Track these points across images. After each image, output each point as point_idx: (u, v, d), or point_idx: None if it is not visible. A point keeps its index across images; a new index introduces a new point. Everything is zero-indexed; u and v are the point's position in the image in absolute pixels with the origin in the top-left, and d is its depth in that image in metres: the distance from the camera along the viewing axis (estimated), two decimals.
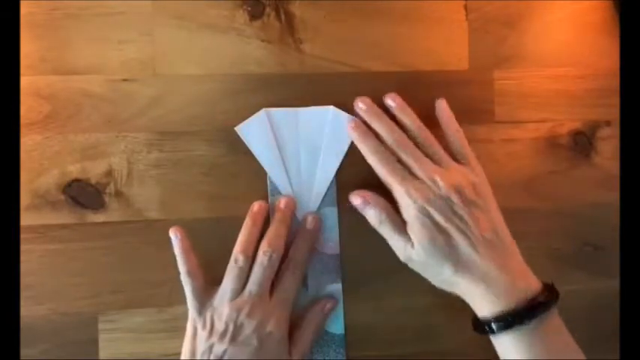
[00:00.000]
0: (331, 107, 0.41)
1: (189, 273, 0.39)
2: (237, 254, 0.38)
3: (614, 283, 0.44)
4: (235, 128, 0.41)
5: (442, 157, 0.39)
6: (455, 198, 0.37)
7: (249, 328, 0.37)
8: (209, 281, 0.39)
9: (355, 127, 0.40)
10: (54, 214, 0.40)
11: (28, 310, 0.40)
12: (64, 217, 0.40)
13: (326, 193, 0.41)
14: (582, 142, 0.45)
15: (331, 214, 0.42)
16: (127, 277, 0.41)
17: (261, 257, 0.38)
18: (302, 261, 0.40)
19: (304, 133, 0.41)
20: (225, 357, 0.36)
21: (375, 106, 0.41)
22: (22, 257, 0.40)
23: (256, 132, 0.41)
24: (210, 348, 0.37)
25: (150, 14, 0.41)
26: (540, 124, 0.44)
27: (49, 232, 0.40)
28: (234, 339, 0.37)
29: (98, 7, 0.40)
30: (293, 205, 0.41)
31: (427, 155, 0.39)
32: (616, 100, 0.45)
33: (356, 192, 0.40)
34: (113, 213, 0.41)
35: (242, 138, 0.41)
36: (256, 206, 0.40)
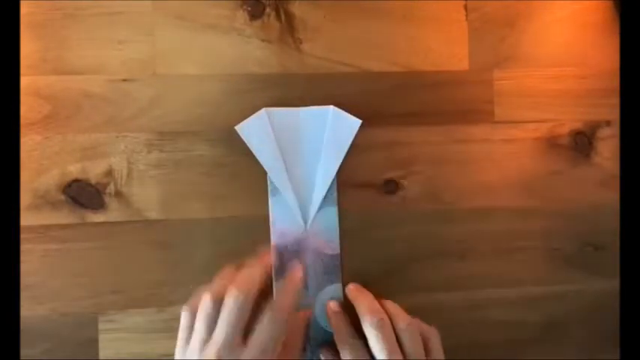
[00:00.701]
0: (331, 107, 0.41)
1: (192, 310, 0.36)
2: (207, 295, 0.35)
3: (614, 283, 0.44)
4: (236, 127, 0.41)
5: (418, 354, 0.36)
6: None
7: None
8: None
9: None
10: (54, 214, 0.40)
11: (28, 310, 0.40)
12: (64, 217, 0.40)
13: (326, 194, 0.41)
14: (582, 142, 0.45)
15: (331, 214, 0.42)
16: (127, 277, 0.41)
17: (227, 300, 0.35)
18: (282, 306, 0.36)
19: (305, 133, 0.41)
20: None
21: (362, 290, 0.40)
22: (22, 257, 0.40)
23: (257, 131, 0.41)
24: None
25: (150, 14, 0.41)
26: (540, 124, 0.44)
27: (49, 232, 0.40)
28: None
29: (98, 7, 0.40)
30: (298, 277, 0.39)
31: None
32: (616, 100, 0.45)
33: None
34: (113, 213, 0.41)
35: (242, 137, 0.41)
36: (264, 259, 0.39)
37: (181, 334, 0.36)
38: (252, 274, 0.36)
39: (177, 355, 0.36)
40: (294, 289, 0.38)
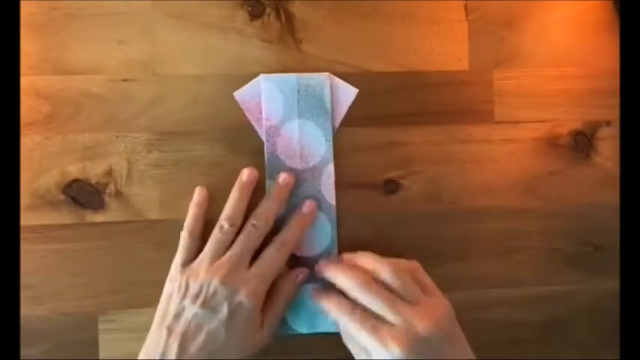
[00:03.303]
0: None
1: (192, 233, 0.39)
2: (223, 221, 0.39)
3: (614, 283, 0.44)
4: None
5: (413, 292, 0.36)
6: (435, 335, 0.34)
7: (221, 294, 0.36)
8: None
9: (316, 293, 0.39)
10: (54, 214, 0.40)
11: (28, 310, 0.40)
12: (64, 217, 0.40)
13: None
14: (582, 142, 0.45)
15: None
16: (127, 277, 0.41)
17: (248, 227, 0.39)
18: (290, 241, 0.39)
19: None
20: (195, 320, 0.36)
21: (335, 261, 0.39)
22: (22, 257, 0.40)
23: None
24: (182, 310, 0.36)
25: (150, 14, 0.41)
26: (540, 124, 0.44)
27: (49, 232, 0.40)
28: (205, 303, 0.36)
29: (98, 7, 0.40)
30: (291, 182, 0.40)
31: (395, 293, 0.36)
32: (616, 100, 0.45)
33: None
34: (113, 213, 0.41)
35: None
36: (245, 175, 0.40)
37: (182, 254, 0.39)
38: (271, 206, 0.40)
39: (173, 271, 0.39)
40: (303, 227, 0.41)
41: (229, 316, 0.36)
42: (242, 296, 0.37)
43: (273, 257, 0.39)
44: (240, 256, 0.38)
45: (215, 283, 0.37)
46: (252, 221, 0.39)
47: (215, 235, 0.38)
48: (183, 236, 0.39)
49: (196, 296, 0.37)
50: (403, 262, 0.39)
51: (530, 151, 0.44)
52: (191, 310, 0.36)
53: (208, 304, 0.36)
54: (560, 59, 0.44)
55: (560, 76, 0.44)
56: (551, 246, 0.44)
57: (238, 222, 0.39)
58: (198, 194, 0.40)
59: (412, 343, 0.34)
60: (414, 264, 0.39)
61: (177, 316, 0.36)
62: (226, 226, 0.38)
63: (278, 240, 0.39)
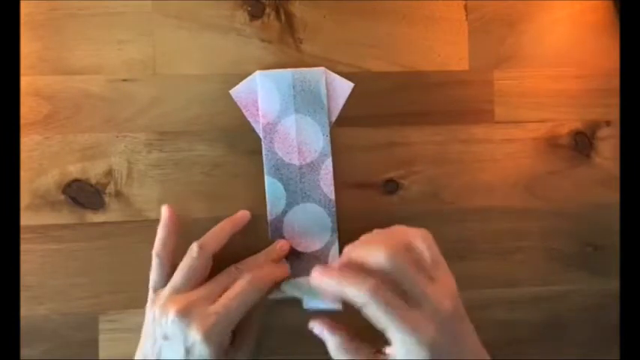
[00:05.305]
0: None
1: (158, 254, 0.37)
2: (194, 244, 0.36)
3: (614, 283, 0.44)
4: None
5: (415, 290, 0.31)
6: (439, 334, 0.31)
7: (176, 328, 0.34)
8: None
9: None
10: (54, 214, 0.40)
11: (28, 310, 0.40)
12: (64, 217, 0.40)
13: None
14: (582, 142, 0.45)
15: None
16: (127, 277, 0.41)
17: (231, 268, 0.37)
18: (263, 277, 0.37)
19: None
20: (162, 356, 0.35)
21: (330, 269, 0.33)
22: (22, 257, 0.40)
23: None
24: (155, 341, 0.35)
25: (150, 14, 0.41)
26: (540, 124, 0.44)
27: (49, 232, 0.40)
28: (166, 337, 0.34)
29: (98, 7, 0.40)
30: (286, 249, 0.40)
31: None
32: (616, 100, 0.45)
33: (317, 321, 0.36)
34: (113, 213, 0.41)
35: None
36: (239, 213, 0.40)
37: (153, 277, 0.37)
38: (259, 262, 0.39)
39: (149, 296, 0.37)
40: (281, 272, 0.39)
41: (185, 354, 0.34)
42: (195, 334, 0.33)
43: (242, 292, 0.35)
44: (210, 292, 0.35)
45: (171, 315, 0.34)
46: (237, 265, 0.38)
47: (185, 260, 0.36)
48: (153, 257, 0.37)
49: (161, 326, 0.35)
50: (409, 233, 0.34)
51: (530, 151, 0.44)
52: (158, 342, 0.35)
53: (168, 338, 0.34)
54: (560, 59, 0.44)
55: (560, 76, 0.44)
56: (551, 246, 0.44)
57: (209, 249, 0.36)
58: (163, 214, 0.38)
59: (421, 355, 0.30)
60: (421, 234, 0.34)
61: (153, 345, 0.35)
62: (195, 248, 0.36)
63: (249, 274, 0.36)
